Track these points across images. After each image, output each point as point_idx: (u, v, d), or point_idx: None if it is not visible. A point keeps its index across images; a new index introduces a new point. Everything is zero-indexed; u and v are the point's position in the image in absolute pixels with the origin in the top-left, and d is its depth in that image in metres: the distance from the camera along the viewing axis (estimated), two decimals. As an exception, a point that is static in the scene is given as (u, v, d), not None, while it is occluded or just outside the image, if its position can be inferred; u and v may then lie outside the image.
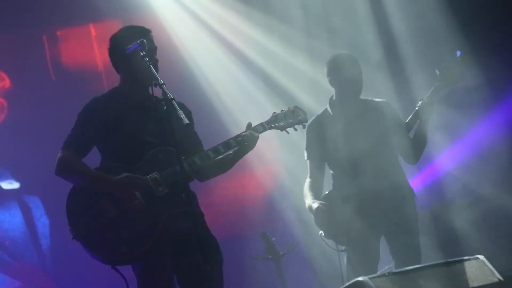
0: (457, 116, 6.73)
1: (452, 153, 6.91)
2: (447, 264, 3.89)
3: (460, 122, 6.77)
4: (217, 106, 7.53)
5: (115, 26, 4.28)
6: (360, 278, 3.68)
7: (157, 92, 3.76)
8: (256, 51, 7.59)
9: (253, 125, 4.22)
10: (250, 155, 4.36)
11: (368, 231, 4.97)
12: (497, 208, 6.47)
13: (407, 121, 5.13)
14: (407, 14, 7.03)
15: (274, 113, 4.34)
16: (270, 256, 6.49)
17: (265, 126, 4.25)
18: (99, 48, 7.38)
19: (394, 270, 3.88)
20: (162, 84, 3.62)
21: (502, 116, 6.76)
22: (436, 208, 6.87)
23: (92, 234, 3.92)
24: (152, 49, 4.06)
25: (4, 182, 7.21)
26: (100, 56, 7.34)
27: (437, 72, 4.99)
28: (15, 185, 7.23)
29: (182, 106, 4.00)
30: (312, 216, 5.10)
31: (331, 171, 5.26)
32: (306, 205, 5.15)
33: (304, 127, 4.42)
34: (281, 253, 6.47)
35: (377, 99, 5.26)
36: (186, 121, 3.54)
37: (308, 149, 5.27)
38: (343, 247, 5.07)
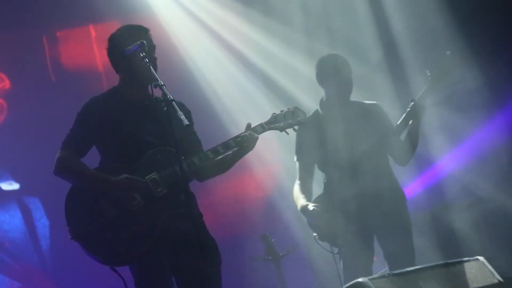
0: (458, 118, 6.73)
1: (452, 155, 6.91)
2: (447, 265, 3.89)
3: (461, 124, 6.77)
4: (217, 106, 7.53)
5: (115, 27, 4.26)
6: (360, 279, 3.68)
7: (156, 92, 3.75)
8: (256, 52, 7.59)
9: (252, 125, 4.21)
10: (250, 156, 4.36)
11: (363, 233, 4.96)
12: (497, 209, 6.48)
13: (398, 122, 5.11)
14: (407, 15, 7.02)
15: (274, 113, 4.33)
16: (270, 257, 6.49)
17: (264, 127, 4.25)
18: (99, 49, 7.37)
19: (394, 271, 3.87)
20: (162, 85, 3.62)
21: (503, 118, 6.75)
22: (436, 209, 6.87)
23: (90, 235, 3.91)
24: (150, 48, 4.05)
25: (4, 183, 7.21)
26: (100, 57, 7.34)
27: (428, 73, 5.00)
28: (15, 186, 7.23)
29: (182, 106, 4.00)
30: (305, 218, 5.10)
31: (322, 173, 5.23)
32: (299, 207, 5.12)
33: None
34: (281, 254, 6.46)
35: (367, 101, 5.25)
36: (186, 122, 3.54)
37: (298, 151, 5.23)
38: (337, 249, 5.06)
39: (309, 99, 6.79)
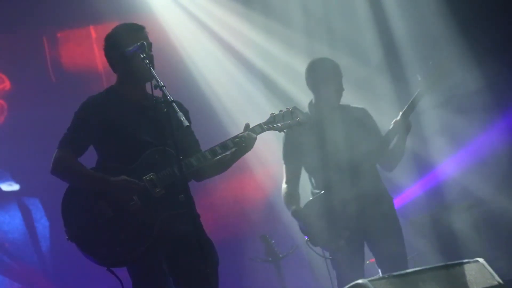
0: (458, 120, 6.73)
1: (453, 157, 6.91)
2: (446, 267, 3.89)
3: (461, 126, 6.77)
4: (217, 107, 7.54)
5: (115, 28, 4.27)
6: (359, 281, 3.67)
7: (156, 92, 3.74)
8: (256, 52, 7.60)
9: (251, 126, 4.20)
10: (250, 157, 4.36)
11: (357, 237, 4.95)
12: (497, 211, 6.47)
13: (398, 117, 5.07)
14: (407, 16, 7.03)
15: (273, 114, 4.31)
16: (270, 258, 6.49)
17: (263, 127, 4.23)
18: (99, 50, 7.35)
19: (394, 273, 3.87)
20: (163, 86, 3.62)
21: (504, 120, 6.75)
22: (436, 211, 6.87)
23: (87, 235, 3.89)
24: (148, 46, 4.03)
25: (4, 184, 7.21)
26: (100, 58, 7.34)
27: (418, 77, 5.00)
28: (15, 187, 7.23)
29: (179, 105, 3.99)
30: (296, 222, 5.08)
31: (312, 177, 5.18)
32: (291, 211, 5.10)
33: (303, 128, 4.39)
34: (280, 255, 6.46)
35: (354, 106, 5.24)
36: (186, 123, 3.54)
37: (287, 154, 5.18)
38: (330, 252, 5.03)
39: (309, 99, 6.80)
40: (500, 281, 3.83)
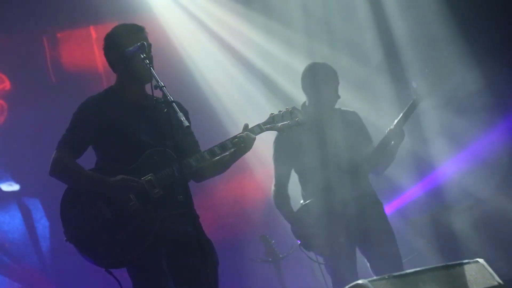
0: (459, 121, 6.73)
1: (453, 158, 6.91)
2: (446, 267, 3.88)
3: (462, 127, 6.76)
4: (217, 107, 7.53)
5: (115, 28, 4.27)
6: (359, 281, 3.67)
7: (155, 93, 3.74)
8: (256, 53, 7.60)
9: (250, 126, 4.19)
10: (250, 157, 4.36)
11: (350, 241, 4.96)
12: (497, 211, 6.47)
13: (398, 118, 5.07)
14: (407, 16, 7.03)
15: (272, 114, 4.30)
16: (270, 259, 6.49)
17: (261, 127, 4.22)
18: (100, 50, 7.34)
19: (394, 273, 3.87)
20: (163, 86, 3.62)
21: (504, 120, 6.75)
22: (436, 211, 6.87)
23: (85, 237, 3.88)
24: (148, 47, 4.03)
25: (4, 184, 7.21)
26: (100, 58, 7.32)
27: (414, 84, 5.00)
28: (15, 187, 7.23)
29: (179, 106, 3.99)
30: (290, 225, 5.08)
31: (304, 179, 5.17)
32: (286, 215, 5.10)
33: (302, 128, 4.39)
34: (280, 255, 6.46)
35: (344, 108, 5.24)
36: (187, 123, 3.54)
37: (278, 156, 5.18)
38: (323, 257, 5.03)
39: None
40: (500, 281, 3.82)
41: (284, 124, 4.27)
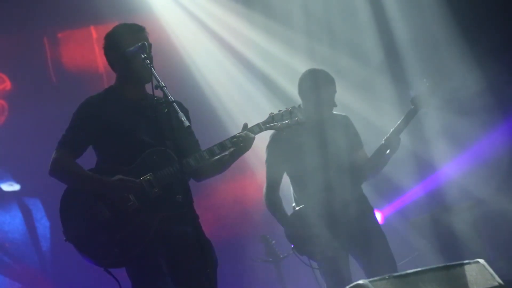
0: (460, 122, 6.73)
1: (454, 159, 6.91)
2: (447, 267, 3.88)
3: (462, 128, 6.77)
4: (217, 107, 7.54)
5: (116, 29, 4.27)
6: (360, 281, 3.67)
7: (156, 93, 3.74)
8: (256, 53, 7.60)
9: (249, 126, 4.19)
10: (250, 157, 4.36)
11: (346, 243, 4.95)
12: (497, 212, 6.47)
13: (398, 122, 5.07)
14: (408, 17, 7.03)
15: (271, 113, 4.29)
16: (270, 259, 6.49)
17: (261, 127, 4.21)
18: (100, 50, 7.35)
19: (394, 274, 3.87)
20: (163, 86, 3.62)
21: (505, 121, 6.75)
22: (436, 211, 6.87)
23: (84, 236, 3.88)
24: (148, 47, 4.03)
25: (4, 184, 7.21)
26: (101, 58, 7.33)
27: (411, 94, 5.00)
28: (15, 187, 7.23)
29: (179, 105, 3.99)
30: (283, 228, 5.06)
31: (301, 183, 5.14)
32: (279, 219, 5.08)
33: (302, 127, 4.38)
34: (281, 256, 6.45)
35: (336, 113, 5.23)
36: (187, 123, 3.53)
37: (272, 159, 5.14)
38: (318, 262, 5.02)
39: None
40: (501, 281, 3.82)
41: (283, 124, 4.26)
